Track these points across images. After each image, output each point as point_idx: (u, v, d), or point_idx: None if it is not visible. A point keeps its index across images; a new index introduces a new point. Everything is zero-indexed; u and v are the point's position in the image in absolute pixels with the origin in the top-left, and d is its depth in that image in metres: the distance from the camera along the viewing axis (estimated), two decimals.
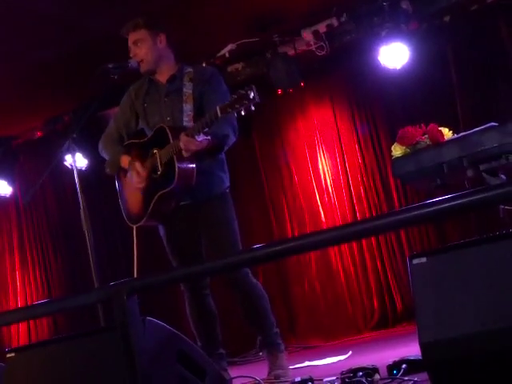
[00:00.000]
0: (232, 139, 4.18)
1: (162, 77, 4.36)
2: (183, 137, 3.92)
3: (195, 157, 4.04)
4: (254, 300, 4.28)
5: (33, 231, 8.83)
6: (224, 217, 4.26)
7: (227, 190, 4.34)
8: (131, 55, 4.31)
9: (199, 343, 4.33)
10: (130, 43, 4.32)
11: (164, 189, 4.07)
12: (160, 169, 4.12)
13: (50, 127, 8.17)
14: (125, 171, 4.37)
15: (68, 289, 8.48)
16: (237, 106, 3.72)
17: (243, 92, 3.72)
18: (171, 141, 4.05)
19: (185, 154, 3.96)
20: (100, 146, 4.55)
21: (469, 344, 2.19)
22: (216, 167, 4.27)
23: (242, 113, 3.74)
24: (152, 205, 4.14)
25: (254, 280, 4.31)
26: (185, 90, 4.24)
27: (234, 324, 4.44)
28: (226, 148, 4.20)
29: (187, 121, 4.14)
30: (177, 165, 4.01)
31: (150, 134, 4.30)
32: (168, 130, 4.09)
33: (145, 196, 4.21)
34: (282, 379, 4.03)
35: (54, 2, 5.66)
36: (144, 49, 4.29)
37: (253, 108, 3.72)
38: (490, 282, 2.20)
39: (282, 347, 4.35)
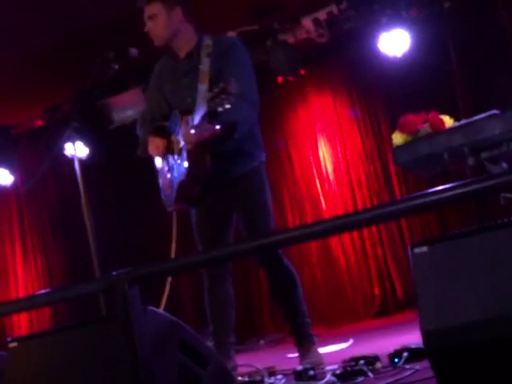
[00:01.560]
0: (250, 118, 4.00)
1: (181, 52, 4.16)
2: (183, 129, 3.86)
3: (209, 145, 3.90)
4: (285, 285, 4.17)
5: (34, 220, 8.84)
6: (254, 193, 4.11)
7: (260, 165, 4.14)
8: (146, 29, 4.09)
9: (211, 328, 4.25)
10: (145, 17, 4.09)
11: (181, 178, 3.96)
12: (177, 157, 4.01)
13: (49, 116, 8.16)
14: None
15: (69, 277, 8.49)
16: (217, 100, 3.64)
17: (223, 85, 3.64)
18: (182, 128, 3.94)
19: (187, 146, 3.87)
20: (137, 129, 4.36)
21: (470, 332, 2.19)
22: (246, 144, 4.05)
23: (227, 106, 3.64)
24: (176, 192, 4.02)
25: (287, 262, 4.15)
26: (201, 67, 4.02)
27: (236, 312, 4.43)
28: (243, 130, 3.95)
29: (201, 102, 3.92)
30: (186, 156, 3.90)
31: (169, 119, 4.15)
32: (179, 115, 3.96)
33: (170, 181, 4.09)
34: (317, 368, 3.88)
35: None
36: (158, 24, 4.06)
37: (234, 100, 3.63)
38: (491, 270, 2.20)
39: (314, 339, 4.21)
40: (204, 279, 4.27)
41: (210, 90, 3.90)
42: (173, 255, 4.29)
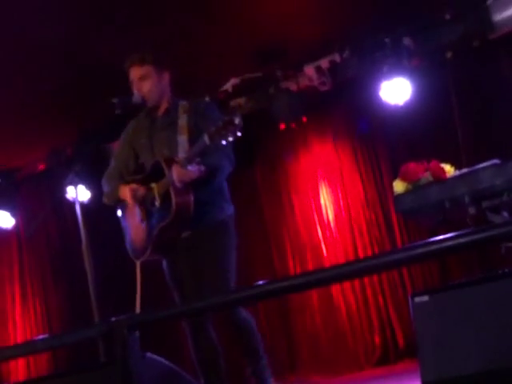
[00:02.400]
0: (227, 169, 4.21)
1: (159, 110, 4.38)
2: (176, 168, 3.98)
3: (192, 187, 4.05)
4: (243, 333, 4.23)
5: (34, 263, 8.80)
6: (220, 245, 4.23)
7: (228, 219, 4.30)
8: (135, 89, 4.29)
9: (202, 380, 4.27)
10: (134, 76, 4.30)
11: (164, 220, 4.08)
12: (158, 202, 4.14)
13: (52, 159, 8.18)
14: (123, 204, 4.39)
15: (68, 322, 8.43)
16: (223, 132, 3.74)
17: (228, 118, 3.74)
18: (166, 173, 4.08)
19: (178, 184, 3.99)
20: (102, 184, 4.54)
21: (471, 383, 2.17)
22: (216, 196, 4.25)
23: (230, 139, 3.75)
24: (154, 238, 4.15)
25: (244, 314, 4.24)
26: (179, 122, 4.25)
27: (231, 359, 4.40)
28: (220, 178, 4.20)
29: (182, 152, 4.14)
30: (173, 196, 4.03)
31: (147, 170, 4.33)
32: (163, 163, 4.12)
33: (147, 230, 4.22)
34: None
35: (55, 32, 5.70)
36: (149, 85, 4.29)
37: (239, 134, 3.74)
38: (491, 321, 2.19)
39: (270, 380, 4.27)
40: (186, 329, 4.31)
41: (190, 141, 4.14)
42: (138, 306, 4.30)
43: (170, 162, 4.09)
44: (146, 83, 4.28)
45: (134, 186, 4.26)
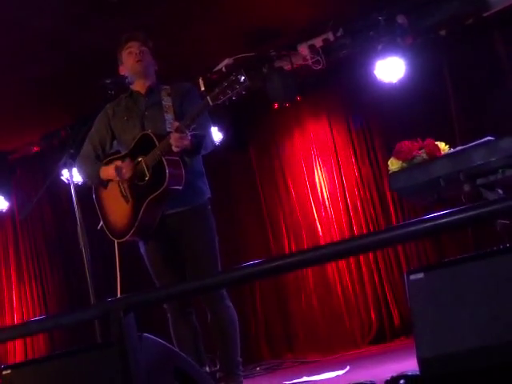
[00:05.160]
0: (208, 146, 4.20)
1: (142, 90, 4.37)
2: (173, 134, 3.94)
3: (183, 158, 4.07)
4: (224, 325, 4.23)
5: (29, 245, 8.79)
6: (204, 230, 4.24)
7: (208, 202, 4.33)
8: (135, 59, 4.30)
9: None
10: (134, 48, 4.31)
11: (155, 191, 4.04)
12: (148, 174, 4.09)
13: (46, 142, 8.17)
14: (104, 184, 4.35)
15: (64, 303, 8.44)
16: (228, 91, 3.75)
17: (233, 77, 3.75)
18: (157, 144, 4.04)
19: (175, 149, 3.96)
20: (77, 168, 4.51)
21: (467, 359, 2.18)
22: (196, 178, 4.26)
23: (234, 98, 3.77)
24: (141, 213, 4.10)
25: (230, 304, 4.25)
26: (164, 102, 4.26)
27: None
28: (202, 151, 4.19)
29: (170, 128, 4.10)
30: (166, 165, 4.00)
31: (131, 146, 4.28)
32: (153, 135, 4.09)
33: (132, 207, 4.18)
34: None
35: (49, 16, 5.67)
36: (148, 59, 4.35)
37: (244, 92, 3.76)
38: (487, 297, 2.19)
39: (241, 379, 4.25)
40: (167, 312, 4.32)
41: (177, 119, 4.14)
42: (118, 285, 4.28)
43: (161, 136, 4.08)
44: (146, 57, 4.33)
45: (118, 163, 4.21)
